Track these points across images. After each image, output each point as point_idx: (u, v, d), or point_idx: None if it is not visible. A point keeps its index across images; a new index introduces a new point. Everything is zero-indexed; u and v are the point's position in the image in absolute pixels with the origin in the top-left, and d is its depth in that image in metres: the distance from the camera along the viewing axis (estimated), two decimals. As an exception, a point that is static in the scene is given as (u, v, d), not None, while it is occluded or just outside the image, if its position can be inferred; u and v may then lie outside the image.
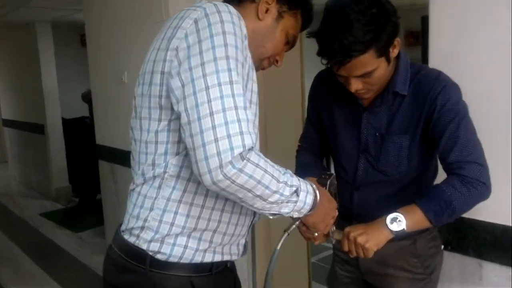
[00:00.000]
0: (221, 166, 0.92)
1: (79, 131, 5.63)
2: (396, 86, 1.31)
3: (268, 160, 1.01)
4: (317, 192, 1.13)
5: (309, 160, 1.56)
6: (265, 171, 0.98)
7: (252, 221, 1.23)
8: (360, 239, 1.20)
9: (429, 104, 1.26)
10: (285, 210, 1.07)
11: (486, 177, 1.19)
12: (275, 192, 1.01)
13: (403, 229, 1.19)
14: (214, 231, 1.12)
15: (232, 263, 1.24)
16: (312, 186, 1.13)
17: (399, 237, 1.20)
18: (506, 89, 1.42)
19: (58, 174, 5.94)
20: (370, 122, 1.37)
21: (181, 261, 1.09)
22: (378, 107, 1.35)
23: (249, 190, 0.97)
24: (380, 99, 1.34)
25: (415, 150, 1.33)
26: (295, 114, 2.85)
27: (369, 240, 1.19)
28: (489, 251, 1.54)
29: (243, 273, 2.88)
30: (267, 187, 0.99)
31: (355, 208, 1.45)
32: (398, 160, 1.35)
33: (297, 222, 1.20)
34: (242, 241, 1.23)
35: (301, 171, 1.50)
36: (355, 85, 1.25)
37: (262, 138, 2.85)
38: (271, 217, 1.10)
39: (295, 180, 1.07)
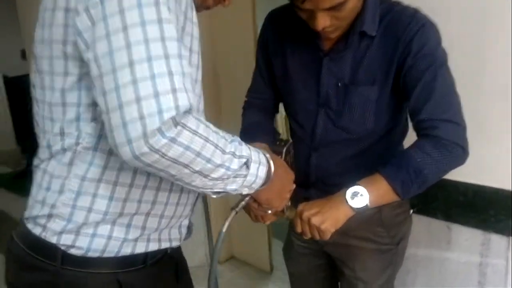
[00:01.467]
0: (145, 135, 0.68)
1: (24, 90, 5.21)
2: (363, 25, 1.08)
3: (210, 125, 0.78)
4: (271, 162, 0.92)
5: (258, 120, 1.35)
6: (206, 139, 0.75)
7: (197, 198, 1.03)
8: (315, 220, 1.02)
9: (403, 48, 1.05)
10: (232, 186, 0.86)
11: (463, 138, 1.01)
12: (219, 166, 0.79)
13: (366, 205, 1.01)
14: (148, 215, 0.91)
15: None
16: (265, 155, 0.92)
17: (361, 213, 1.03)
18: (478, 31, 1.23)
19: (3, 136, 5.55)
20: (332, 69, 1.16)
21: (104, 255, 0.88)
22: (342, 51, 1.14)
23: (186, 165, 0.75)
24: (344, 42, 1.12)
25: (384, 104, 1.14)
26: (250, 66, 2.60)
27: (326, 220, 1.02)
28: (460, 213, 1.41)
29: (199, 236, 2.77)
30: (209, 160, 0.77)
31: (312, 172, 1.27)
32: (363, 116, 1.16)
33: (247, 198, 1.00)
34: (185, 222, 1.02)
35: (249, 134, 1.29)
36: (322, 21, 1.02)
37: (213, 98, 2.61)
38: (214, 196, 0.89)
39: (245, 150, 0.86)
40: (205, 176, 0.79)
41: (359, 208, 1.01)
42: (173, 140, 0.70)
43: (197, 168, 0.76)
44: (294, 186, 1.04)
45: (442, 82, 1.02)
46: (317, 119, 1.22)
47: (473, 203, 1.36)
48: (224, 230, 0.98)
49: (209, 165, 0.77)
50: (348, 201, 1.01)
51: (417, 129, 1.05)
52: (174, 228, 0.99)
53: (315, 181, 1.27)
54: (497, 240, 1.34)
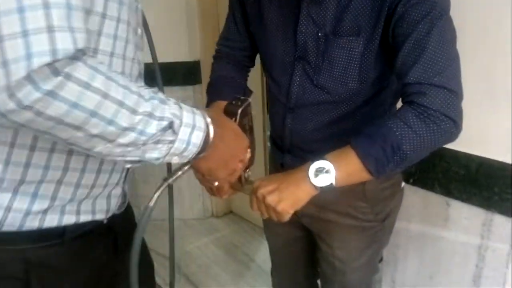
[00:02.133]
0: (8, 87, 0.53)
1: None
2: None
3: (118, 77, 0.62)
4: (211, 127, 0.76)
5: (226, 74, 1.18)
6: (105, 95, 0.59)
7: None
8: (270, 199, 0.87)
9: None
10: (153, 154, 0.70)
11: (456, 109, 0.82)
12: (127, 129, 0.63)
13: (331, 183, 0.85)
14: (59, 183, 0.77)
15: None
16: (205, 117, 0.75)
17: (326, 192, 0.87)
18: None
19: None
20: (312, 16, 0.97)
21: (3, 229, 0.75)
22: None
23: (77, 128, 0.59)
24: None
25: (371, 60, 0.96)
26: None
27: (283, 200, 0.86)
28: (460, 188, 1.23)
29: (196, 189, 2.67)
30: (110, 122, 0.61)
31: (287, 136, 1.11)
32: (345, 73, 0.97)
33: (185, 168, 0.84)
34: (117, 191, 0.89)
35: (213, 90, 1.13)
36: None
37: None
38: (128, 166, 0.73)
39: (171, 109, 0.69)
40: (110, 141, 0.63)
41: (323, 187, 0.86)
42: (51, 94, 0.54)
43: (95, 132, 0.61)
44: (248, 155, 0.87)
45: (438, 37, 0.82)
46: (293, 75, 1.04)
47: (476, 178, 1.18)
48: (151, 204, 0.81)
49: (111, 128, 0.61)
50: (311, 178, 0.86)
51: (402, 94, 0.87)
52: (101, 198, 0.85)
53: (290, 146, 1.12)
54: (501, 222, 1.17)
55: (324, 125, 1.05)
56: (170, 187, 1.08)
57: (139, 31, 0.87)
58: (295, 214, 1.18)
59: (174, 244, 1.09)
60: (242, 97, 0.91)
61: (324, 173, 0.84)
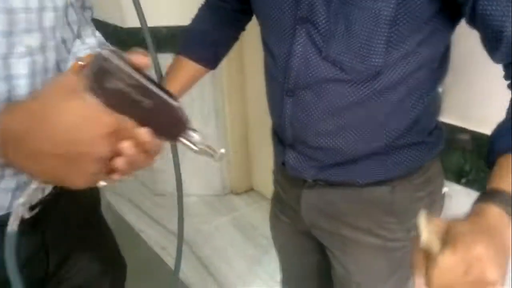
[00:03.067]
0: None
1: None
2: None
3: None
4: None
5: (205, 28, 0.99)
6: None
7: None
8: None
9: None
10: None
11: None
12: None
13: None
14: None
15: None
16: None
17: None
18: None
19: None
20: None
21: None
22: None
23: None
24: None
25: (405, 26, 0.68)
26: None
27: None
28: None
29: (215, 164, 2.44)
30: None
31: (287, 126, 0.85)
32: (368, 43, 0.70)
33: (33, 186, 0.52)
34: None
35: (182, 42, 0.99)
36: None
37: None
38: None
39: None
40: None
41: None
42: None
43: None
44: (103, 148, 0.46)
45: None
46: (294, 43, 0.76)
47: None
48: (13, 228, 0.54)
49: None
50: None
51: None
52: None
53: (292, 140, 0.86)
54: None
55: (334, 113, 0.78)
56: (176, 164, 0.89)
57: None
58: (304, 221, 0.95)
59: (183, 226, 0.89)
60: (110, 48, 0.54)
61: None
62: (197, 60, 0.97)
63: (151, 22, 0.87)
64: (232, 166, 2.44)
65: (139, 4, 0.79)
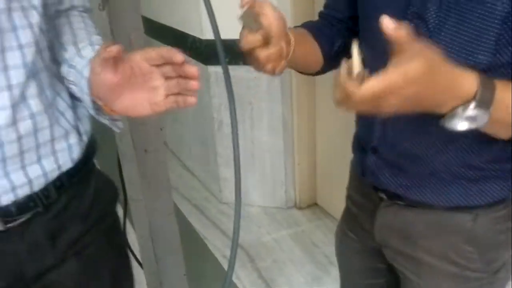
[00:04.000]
0: None
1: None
2: None
3: None
4: None
5: (317, 25, 0.95)
6: None
7: None
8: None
9: None
10: None
11: None
12: None
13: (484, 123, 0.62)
14: None
15: None
16: None
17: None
18: None
19: None
20: None
21: None
22: None
23: None
24: None
25: None
26: None
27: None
28: None
29: (279, 175, 2.44)
30: None
31: (377, 129, 0.84)
32: (477, 38, 0.67)
33: None
34: None
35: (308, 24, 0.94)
36: None
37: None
38: None
39: None
40: None
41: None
42: None
43: None
44: None
45: None
46: None
47: None
48: None
49: None
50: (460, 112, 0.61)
51: None
52: None
53: (378, 143, 0.85)
54: None
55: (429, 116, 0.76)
56: (237, 171, 0.89)
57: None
58: (374, 239, 0.93)
59: (238, 234, 0.90)
60: None
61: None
62: (321, 44, 0.91)
63: (227, 35, 0.89)
64: (297, 179, 2.43)
65: (213, 15, 0.81)
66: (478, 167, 0.77)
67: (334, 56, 0.92)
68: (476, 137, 0.74)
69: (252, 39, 0.69)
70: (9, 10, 0.64)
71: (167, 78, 0.66)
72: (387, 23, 0.57)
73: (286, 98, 2.25)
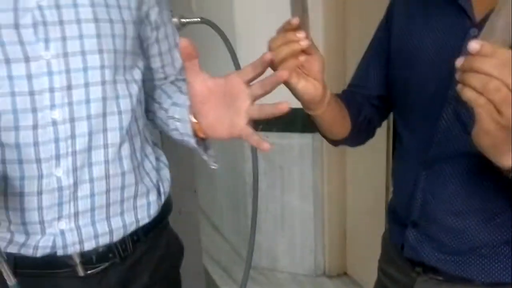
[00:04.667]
0: None
1: None
2: None
3: None
4: None
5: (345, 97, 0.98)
6: None
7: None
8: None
9: None
10: None
11: None
12: None
13: None
14: None
15: None
16: None
17: None
18: None
19: None
20: None
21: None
22: None
23: None
24: None
25: None
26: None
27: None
28: None
29: (309, 242, 2.44)
30: None
31: (417, 202, 0.87)
32: None
33: None
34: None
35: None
36: None
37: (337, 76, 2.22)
38: None
39: None
40: None
41: None
42: None
43: None
44: None
45: None
46: (440, 119, 0.81)
47: None
48: None
49: None
50: None
51: None
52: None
53: (418, 217, 0.87)
54: None
55: (470, 191, 0.80)
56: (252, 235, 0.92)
57: None
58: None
59: None
60: None
61: None
62: (349, 109, 0.95)
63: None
64: (327, 247, 2.41)
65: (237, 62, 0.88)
66: None
67: (358, 126, 0.97)
68: None
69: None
70: (115, 82, 0.76)
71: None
72: None
73: (317, 164, 2.30)
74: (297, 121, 2.20)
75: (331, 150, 2.27)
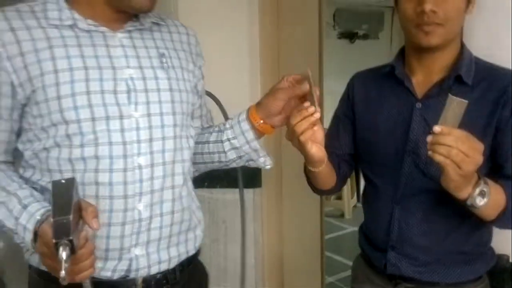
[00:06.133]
0: None
1: None
2: (460, 69, 1.06)
3: None
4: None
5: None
6: None
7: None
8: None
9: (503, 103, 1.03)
10: None
11: None
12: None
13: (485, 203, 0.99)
14: None
15: None
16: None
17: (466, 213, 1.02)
18: None
19: None
20: (424, 116, 1.10)
21: None
22: (435, 97, 1.09)
23: None
24: (439, 87, 1.09)
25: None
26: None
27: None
28: None
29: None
30: None
31: (394, 231, 1.15)
32: None
33: None
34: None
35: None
36: (431, 3, 1.02)
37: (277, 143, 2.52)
38: None
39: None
40: None
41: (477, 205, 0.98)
42: None
43: None
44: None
45: None
46: (402, 168, 1.13)
47: None
48: None
49: None
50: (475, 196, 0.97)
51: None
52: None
53: (396, 240, 1.15)
54: None
55: (428, 213, 1.13)
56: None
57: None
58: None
59: None
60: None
61: (482, 195, 0.97)
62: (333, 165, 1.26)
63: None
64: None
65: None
66: (470, 252, 1.11)
67: (340, 177, 1.28)
68: (470, 227, 1.07)
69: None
70: (181, 137, 0.96)
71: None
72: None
73: (257, 217, 2.52)
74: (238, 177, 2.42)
75: (270, 202, 2.52)
